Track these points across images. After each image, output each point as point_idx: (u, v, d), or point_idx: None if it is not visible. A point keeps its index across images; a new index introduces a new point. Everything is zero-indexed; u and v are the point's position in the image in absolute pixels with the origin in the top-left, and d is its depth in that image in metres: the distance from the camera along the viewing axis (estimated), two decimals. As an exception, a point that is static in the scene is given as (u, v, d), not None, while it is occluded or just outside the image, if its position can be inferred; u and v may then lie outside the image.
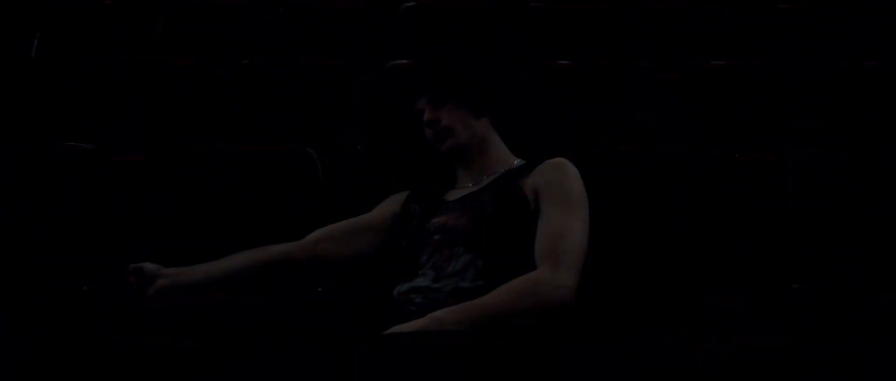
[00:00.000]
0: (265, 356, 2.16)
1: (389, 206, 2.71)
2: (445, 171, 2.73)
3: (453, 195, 2.63)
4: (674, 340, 2.41)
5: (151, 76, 4.08)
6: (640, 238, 2.91)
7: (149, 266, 2.61)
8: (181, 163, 3.07)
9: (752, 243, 2.93)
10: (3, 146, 3.19)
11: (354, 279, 2.73)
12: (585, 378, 2.01)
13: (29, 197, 3.06)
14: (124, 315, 2.71)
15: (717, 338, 2.47)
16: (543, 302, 2.27)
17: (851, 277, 2.88)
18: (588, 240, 2.39)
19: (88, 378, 2.07)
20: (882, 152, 3.18)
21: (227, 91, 4.03)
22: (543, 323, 2.27)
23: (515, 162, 2.68)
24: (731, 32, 4.49)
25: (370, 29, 4.82)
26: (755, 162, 3.08)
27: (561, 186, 2.46)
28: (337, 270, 2.71)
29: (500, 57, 2.65)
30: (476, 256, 2.41)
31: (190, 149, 3.16)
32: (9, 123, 3.89)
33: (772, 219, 3.00)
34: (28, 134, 3.83)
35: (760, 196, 3.01)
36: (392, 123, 3.83)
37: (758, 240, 2.94)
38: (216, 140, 3.87)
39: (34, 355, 1.97)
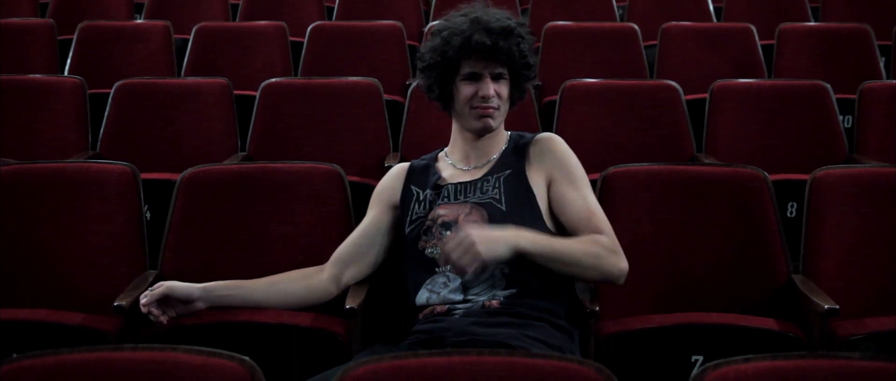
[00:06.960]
0: None
1: (388, 195, 2.65)
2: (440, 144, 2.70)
3: (451, 175, 2.59)
4: None
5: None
6: None
7: (178, 288, 2.57)
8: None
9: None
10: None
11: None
12: None
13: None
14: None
15: None
16: (604, 269, 2.44)
17: None
18: None
19: None
20: None
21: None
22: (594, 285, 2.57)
23: (506, 137, 2.63)
24: None
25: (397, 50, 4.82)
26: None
27: (566, 165, 2.54)
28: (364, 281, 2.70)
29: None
30: (500, 262, 2.41)
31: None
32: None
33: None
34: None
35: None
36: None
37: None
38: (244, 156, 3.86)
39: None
